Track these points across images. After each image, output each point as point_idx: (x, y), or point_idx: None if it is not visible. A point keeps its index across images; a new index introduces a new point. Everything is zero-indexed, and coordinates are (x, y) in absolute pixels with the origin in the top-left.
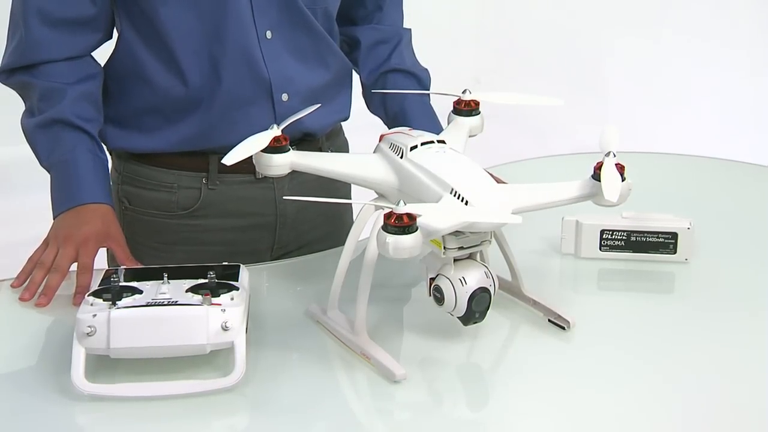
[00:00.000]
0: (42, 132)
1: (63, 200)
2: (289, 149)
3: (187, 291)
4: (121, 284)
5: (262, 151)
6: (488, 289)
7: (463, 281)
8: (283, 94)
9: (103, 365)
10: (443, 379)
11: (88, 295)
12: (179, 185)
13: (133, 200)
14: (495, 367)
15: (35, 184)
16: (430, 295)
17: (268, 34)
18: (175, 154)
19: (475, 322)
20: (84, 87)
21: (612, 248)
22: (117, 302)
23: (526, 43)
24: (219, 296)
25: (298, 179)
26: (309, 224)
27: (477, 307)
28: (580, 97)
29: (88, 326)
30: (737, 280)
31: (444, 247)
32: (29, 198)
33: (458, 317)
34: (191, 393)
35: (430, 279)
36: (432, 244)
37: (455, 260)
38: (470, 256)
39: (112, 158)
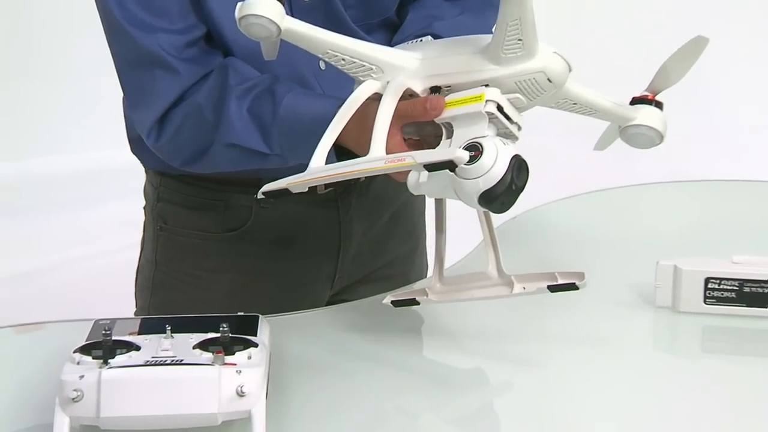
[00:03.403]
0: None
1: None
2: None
3: (194, 347)
4: (114, 338)
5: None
6: (527, 163)
7: (505, 142)
8: None
9: None
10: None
11: (74, 352)
12: (226, 203)
13: (171, 220)
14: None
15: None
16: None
17: (322, 65)
18: None
19: (503, 206)
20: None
21: (720, 301)
22: (109, 360)
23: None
24: (234, 354)
25: (367, 195)
26: (377, 248)
27: (518, 174)
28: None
29: (74, 390)
30: None
31: (487, 100)
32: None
33: (485, 191)
34: None
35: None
36: (461, 105)
37: None
38: None
39: (147, 173)
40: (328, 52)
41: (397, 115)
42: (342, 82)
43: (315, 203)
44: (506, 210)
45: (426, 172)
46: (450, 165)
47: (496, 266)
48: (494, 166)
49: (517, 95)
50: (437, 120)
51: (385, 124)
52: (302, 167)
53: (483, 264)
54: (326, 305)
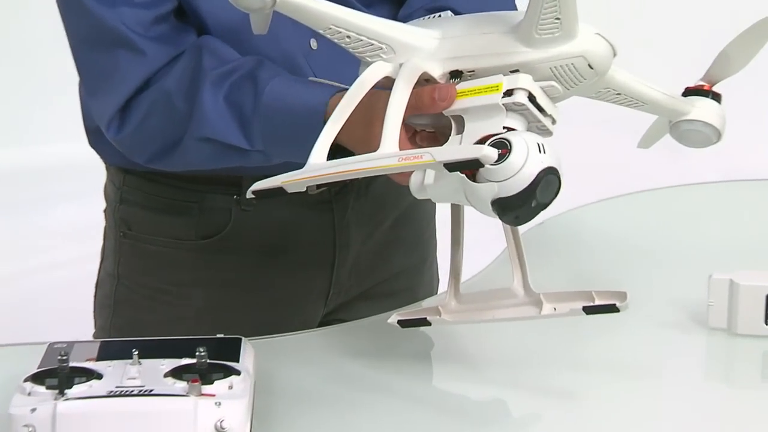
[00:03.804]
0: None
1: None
2: None
3: (166, 375)
4: (71, 365)
5: None
6: (560, 176)
7: (541, 147)
8: None
9: None
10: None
11: (25, 381)
12: (201, 205)
13: (136, 225)
14: None
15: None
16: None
17: (313, 44)
18: None
19: (517, 220)
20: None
21: None
22: (66, 391)
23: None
24: (212, 383)
25: (367, 196)
26: (379, 259)
27: (542, 192)
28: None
29: (25, 426)
30: None
31: (504, 93)
32: None
33: (500, 198)
34: None
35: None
36: (475, 95)
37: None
38: None
39: (108, 170)
40: (330, 28)
41: None
42: (337, 65)
43: (306, 205)
44: (520, 224)
45: (432, 173)
46: (475, 164)
47: (522, 282)
48: (521, 171)
49: (552, 83)
50: (446, 112)
51: (398, 114)
52: (290, 166)
53: (506, 279)
54: (319, 326)
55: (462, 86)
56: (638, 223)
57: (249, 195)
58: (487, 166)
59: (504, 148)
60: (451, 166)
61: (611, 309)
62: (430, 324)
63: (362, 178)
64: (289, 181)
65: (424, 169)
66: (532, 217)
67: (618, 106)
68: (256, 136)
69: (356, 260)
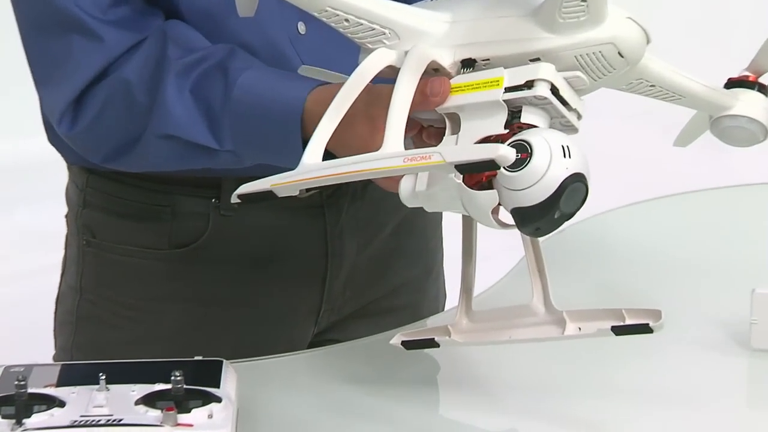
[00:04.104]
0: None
1: None
2: None
3: (137, 402)
4: (30, 391)
5: None
6: (586, 182)
7: (566, 150)
8: None
9: None
10: None
11: None
12: (175, 209)
13: (101, 232)
14: None
15: None
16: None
17: (301, 28)
18: None
19: (537, 232)
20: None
21: None
22: (24, 420)
23: None
24: (190, 412)
25: (363, 199)
26: (377, 271)
27: (567, 202)
28: None
29: None
30: None
31: (504, 88)
32: None
33: (520, 208)
34: None
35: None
36: (473, 91)
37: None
38: None
39: (69, 170)
40: (326, 10)
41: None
42: (329, 51)
43: (294, 210)
44: (541, 236)
45: (425, 178)
46: (490, 166)
47: (543, 298)
48: (543, 178)
49: (578, 74)
50: (440, 109)
51: (403, 109)
52: (268, 167)
53: (524, 294)
54: (310, 346)
55: (458, 80)
56: (673, 230)
57: (234, 200)
58: (505, 172)
59: (524, 152)
60: (464, 168)
61: (644, 329)
62: (438, 345)
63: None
64: (280, 183)
65: (416, 174)
66: (555, 229)
67: (652, 99)
68: (226, 135)
69: (351, 272)
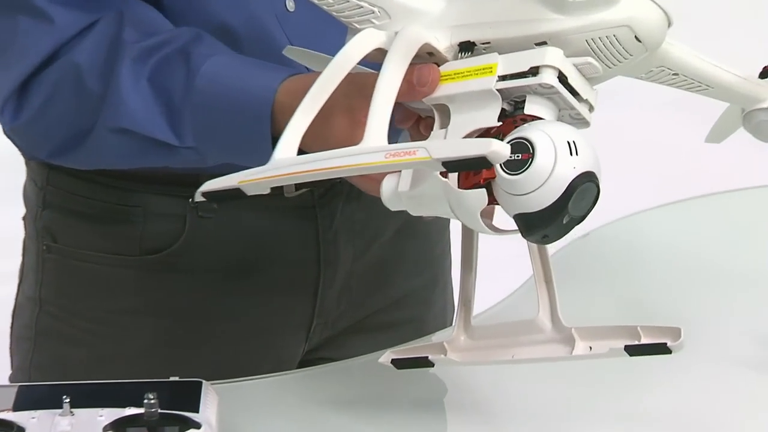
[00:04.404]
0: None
1: None
2: None
3: (106, 429)
4: None
5: None
6: (597, 181)
7: (572, 147)
8: None
9: None
10: None
11: None
12: (147, 210)
13: (63, 236)
14: None
15: None
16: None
17: (290, 5)
18: None
19: (544, 240)
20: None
21: None
22: None
23: None
24: None
25: (360, 200)
26: (376, 281)
27: (576, 205)
28: None
29: None
30: None
31: (507, 75)
32: None
33: (524, 214)
34: None
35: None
36: (463, 79)
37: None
38: None
39: (27, 165)
40: None
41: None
42: (319, 29)
43: (282, 211)
44: (550, 243)
45: (408, 177)
46: (482, 163)
47: (550, 313)
48: (547, 181)
49: (589, 60)
50: (427, 100)
51: (389, 99)
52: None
53: (528, 308)
54: (300, 366)
55: (446, 68)
56: (712, 235)
57: (198, 197)
58: (505, 175)
59: (525, 151)
60: (452, 165)
61: (661, 350)
62: (432, 364)
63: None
64: (248, 180)
65: (400, 172)
66: (564, 235)
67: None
68: (187, 129)
69: (347, 282)
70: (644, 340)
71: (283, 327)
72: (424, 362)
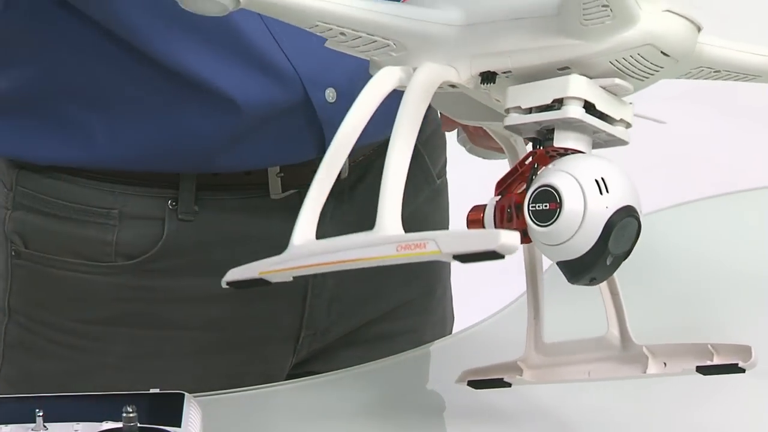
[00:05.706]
0: None
1: None
2: None
3: None
4: None
5: None
6: (636, 214)
7: (602, 184)
8: (328, 91)
9: None
10: None
11: None
12: (123, 213)
13: (34, 240)
14: None
15: None
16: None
17: None
18: None
19: (596, 281)
20: None
21: None
22: None
23: None
24: None
25: (352, 201)
26: (369, 289)
27: (617, 243)
28: None
29: None
30: None
31: (530, 108)
32: None
33: (565, 262)
34: None
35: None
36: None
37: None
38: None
39: None
40: (317, 25)
41: None
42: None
43: (268, 213)
44: (600, 282)
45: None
46: (493, 256)
47: (619, 328)
48: (581, 227)
49: (616, 81)
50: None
51: (402, 168)
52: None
53: (517, 325)
54: (287, 378)
55: None
56: (732, 237)
57: (224, 285)
58: (537, 228)
59: (552, 201)
60: (463, 259)
61: (733, 369)
62: (509, 385)
63: (346, 175)
64: (270, 272)
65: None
66: (613, 272)
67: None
68: None
69: (337, 290)
70: (717, 360)
71: (269, 338)
72: (500, 383)
